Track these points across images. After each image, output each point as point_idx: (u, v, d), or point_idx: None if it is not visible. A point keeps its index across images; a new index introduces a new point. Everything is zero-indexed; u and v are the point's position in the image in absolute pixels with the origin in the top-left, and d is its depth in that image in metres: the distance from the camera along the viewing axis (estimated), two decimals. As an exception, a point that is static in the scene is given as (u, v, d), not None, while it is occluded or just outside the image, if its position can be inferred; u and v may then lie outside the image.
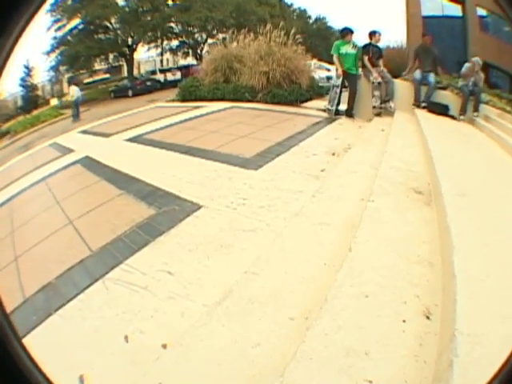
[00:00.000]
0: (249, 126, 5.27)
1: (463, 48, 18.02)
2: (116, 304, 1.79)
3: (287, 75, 6.70)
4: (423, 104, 5.36)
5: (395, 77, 5.90)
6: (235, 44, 7.97)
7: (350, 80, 5.62)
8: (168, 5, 21.79)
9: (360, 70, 5.78)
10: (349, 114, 5.58)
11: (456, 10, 18.57)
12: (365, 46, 5.83)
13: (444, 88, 5.74)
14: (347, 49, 5.55)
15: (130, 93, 13.42)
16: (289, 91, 6.59)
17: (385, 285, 1.46)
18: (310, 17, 39.94)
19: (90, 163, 4.46)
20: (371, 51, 5.75)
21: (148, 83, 15.67)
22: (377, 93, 5.57)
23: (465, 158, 3.06)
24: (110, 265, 2.13)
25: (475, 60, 5.61)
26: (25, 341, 0.60)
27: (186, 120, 5.98)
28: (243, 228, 2.35)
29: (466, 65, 5.69)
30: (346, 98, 5.62)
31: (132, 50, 20.28)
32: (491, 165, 3.01)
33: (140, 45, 21.60)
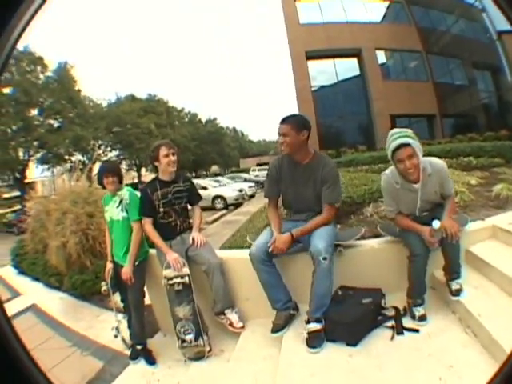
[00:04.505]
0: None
1: (365, 110, 16.10)
2: None
3: (90, 247, 3.75)
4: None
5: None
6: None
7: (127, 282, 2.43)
8: (42, 123, 19.35)
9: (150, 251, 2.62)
10: (141, 353, 2.47)
11: (352, 70, 16.85)
12: (145, 191, 2.40)
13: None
14: (113, 209, 2.48)
15: (16, 230, 9.70)
16: (95, 274, 3.62)
17: None
18: (200, 120, 35.68)
19: None
20: (160, 197, 2.36)
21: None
22: (182, 309, 2.29)
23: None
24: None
25: None
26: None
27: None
28: None
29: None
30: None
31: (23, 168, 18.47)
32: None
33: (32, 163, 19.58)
